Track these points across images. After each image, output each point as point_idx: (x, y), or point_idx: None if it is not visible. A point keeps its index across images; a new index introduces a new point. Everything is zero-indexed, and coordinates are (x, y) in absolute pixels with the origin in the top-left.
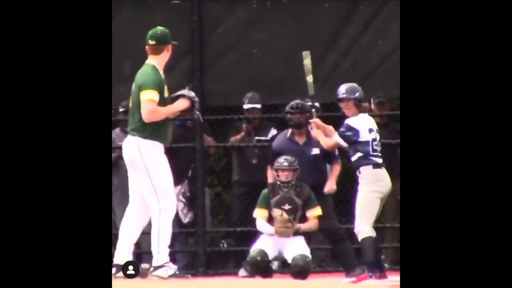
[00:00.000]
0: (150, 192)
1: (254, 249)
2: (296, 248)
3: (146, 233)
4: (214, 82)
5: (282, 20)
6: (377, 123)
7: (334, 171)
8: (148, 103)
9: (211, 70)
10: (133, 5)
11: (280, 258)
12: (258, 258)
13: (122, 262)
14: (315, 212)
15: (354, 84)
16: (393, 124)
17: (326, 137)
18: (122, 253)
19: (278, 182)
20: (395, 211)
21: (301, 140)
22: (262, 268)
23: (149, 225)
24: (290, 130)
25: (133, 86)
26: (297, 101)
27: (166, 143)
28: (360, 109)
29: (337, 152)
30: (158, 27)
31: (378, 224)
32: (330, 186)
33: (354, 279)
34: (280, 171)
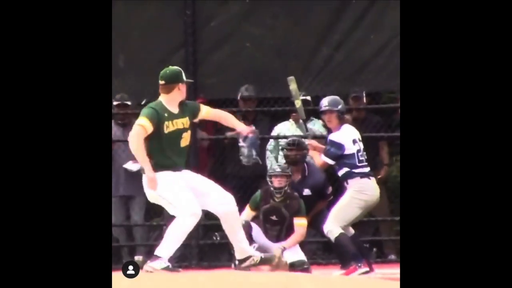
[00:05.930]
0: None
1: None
2: (292, 253)
3: (138, 225)
4: (208, 75)
5: (275, 14)
6: (355, 118)
7: (316, 208)
8: (136, 126)
9: (204, 64)
10: None
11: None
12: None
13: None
14: (300, 221)
15: (336, 97)
16: (372, 117)
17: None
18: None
19: (272, 189)
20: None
21: (296, 177)
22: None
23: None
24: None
25: None
26: (294, 138)
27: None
28: (343, 121)
29: (329, 191)
30: (170, 66)
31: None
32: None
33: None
34: (273, 177)
